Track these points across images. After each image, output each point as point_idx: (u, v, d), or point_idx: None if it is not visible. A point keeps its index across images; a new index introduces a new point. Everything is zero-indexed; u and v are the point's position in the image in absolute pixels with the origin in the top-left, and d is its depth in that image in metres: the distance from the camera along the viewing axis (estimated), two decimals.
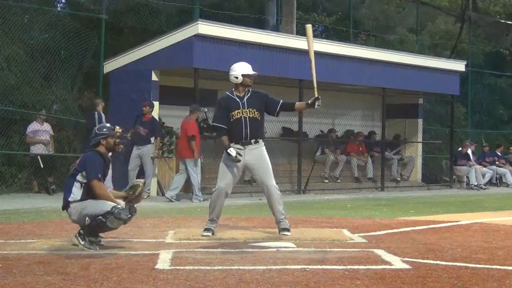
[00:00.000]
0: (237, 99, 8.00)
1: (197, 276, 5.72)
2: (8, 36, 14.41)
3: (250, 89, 8.11)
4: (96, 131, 7.34)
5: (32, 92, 14.64)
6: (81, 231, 7.03)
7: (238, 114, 7.93)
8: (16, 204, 12.05)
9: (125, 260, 6.44)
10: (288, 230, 8.10)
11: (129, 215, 7.10)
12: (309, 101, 8.29)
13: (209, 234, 7.95)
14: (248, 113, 7.94)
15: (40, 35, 15.32)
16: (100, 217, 6.87)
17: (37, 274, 5.76)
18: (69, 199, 7.06)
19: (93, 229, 6.98)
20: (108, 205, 6.93)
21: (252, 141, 7.97)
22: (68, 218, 7.25)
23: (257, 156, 8.00)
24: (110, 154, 7.42)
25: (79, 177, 7.06)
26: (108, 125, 7.44)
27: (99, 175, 7.00)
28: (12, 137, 14.35)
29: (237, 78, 7.98)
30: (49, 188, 13.96)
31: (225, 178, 7.95)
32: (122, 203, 7.10)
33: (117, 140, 7.25)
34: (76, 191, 7.05)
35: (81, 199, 7.03)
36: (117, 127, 7.38)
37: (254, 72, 8.08)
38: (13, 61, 14.43)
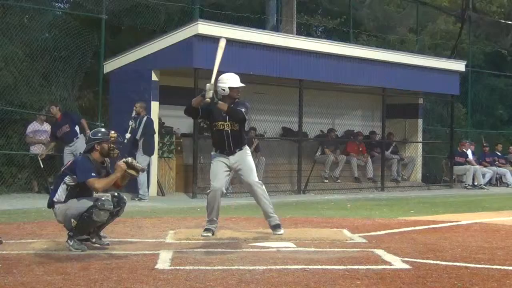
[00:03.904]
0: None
1: (197, 276, 5.72)
2: (7, 36, 14.40)
3: (236, 100, 8.11)
4: (90, 136, 7.31)
5: (31, 92, 14.63)
6: (70, 233, 7.01)
7: (222, 126, 8.03)
8: (16, 204, 12.05)
9: (125, 260, 6.44)
10: (279, 226, 8.21)
11: (118, 208, 7.09)
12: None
13: (209, 234, 7.97)
14: (229, 125, 8.01)
15: (40, 35, 15.31)
16: (85, 213, 6.88)
17: (37, 274, 5.76)
18: (54, 198, 7.07)
19: (82, 227, 6.96)
20: (89, 202, 6.93)
21: (237, 150, 8.10)
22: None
23: (240, 158, 8.12)
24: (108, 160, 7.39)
25: (67, 179, 7.04)
26: (103, 130, 7.38)
27: (92, 173, 6.94)
28: (12, 137, 14.35)
29: (224, 90, 8.00)
30: (49, 188, 13.95)
31: (217, 178, 8.06)
32: (107, 195, 7.08)
33: (112, 145, 7.20)
34: (61, 192, 7.05)
35: (65, 201, 7.02)
36: (112, 132, 7.28)
37: (242, 85, 8.09)
38: (12, 61, 14.42)
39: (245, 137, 8.35)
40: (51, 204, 7.13)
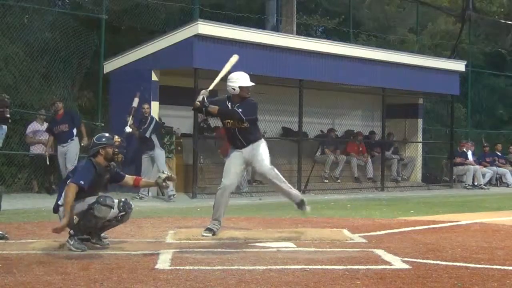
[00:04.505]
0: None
1: (197, 276, 5.72)
2: (7, 36, 14.40)
3: (246, 99, 8.09)
4: (95, 140, 7.32)
5: (31, 92, 14.64)
6: (71, 231, 7.02)
7: (228, 124, 8.02)
8: (16, 204, 12.04)
9: (125, 260, 6.44)
10: (304, 203, 8.14)
11: (123, 212, 7.10)
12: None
13: (210, 234, 7.94)
14: (236, 123, 7.97)
15: (40, 35, 15.31)
16: (86, 209, 6.89)
17: (37, 274, 5.76)
18: (59, 202, 7.09)
19: (83, 224, 6.97)
20: (92, 199, 6.95)
21: (250, 144, 8.06)
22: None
23: (253, 149, 8.06)
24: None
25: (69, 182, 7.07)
26: (107, 134, 7.41)
27: (81, 182, 6.91)
28: (12, 137, 14.33)
29: (234, 89, 8.00)
30: (50, 187, 13.95)
31: (229, 176, 8.01)
32: (115, 200, 7.11)
33: (116, 150, 7.24)
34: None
35: None
36: (116, 137, 7.34)
37: (252, 83, 8.08)
38: (12, 61, 14.42)
39: (257, 134, 8.23)
40: (56, 209, 7.13)
